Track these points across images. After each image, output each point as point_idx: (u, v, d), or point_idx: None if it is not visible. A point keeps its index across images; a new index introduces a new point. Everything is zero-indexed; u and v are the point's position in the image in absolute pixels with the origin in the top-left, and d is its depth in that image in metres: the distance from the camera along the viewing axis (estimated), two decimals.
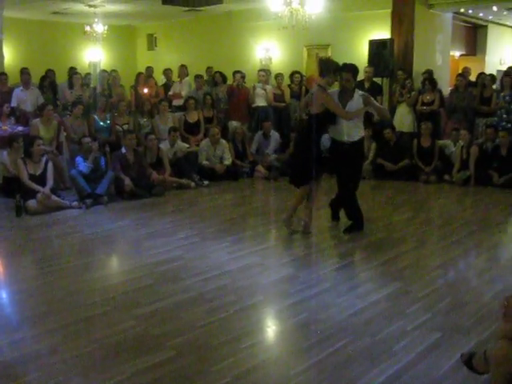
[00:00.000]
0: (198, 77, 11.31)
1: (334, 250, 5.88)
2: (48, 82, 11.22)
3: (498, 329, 3.04)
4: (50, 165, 7.61)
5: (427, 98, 10.01)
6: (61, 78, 11.85)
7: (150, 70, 12.81)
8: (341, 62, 6.30)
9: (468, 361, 3.08)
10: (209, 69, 12.26)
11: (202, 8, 12.33)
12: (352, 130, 6.12)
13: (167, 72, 12.37)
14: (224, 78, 11.14)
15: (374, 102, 6.37)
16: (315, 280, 4.88)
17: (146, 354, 3.52)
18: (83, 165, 7.89)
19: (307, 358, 3.50)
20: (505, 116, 9.61)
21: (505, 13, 13.17)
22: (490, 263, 5.53)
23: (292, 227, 6.33)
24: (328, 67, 6.17)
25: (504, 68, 12.83)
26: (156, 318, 4.07)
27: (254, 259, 5.42)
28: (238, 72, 11.00)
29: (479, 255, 5.78)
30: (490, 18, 13.98)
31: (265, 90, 10.77)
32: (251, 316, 4.17)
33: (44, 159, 7.60)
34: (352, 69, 6.14)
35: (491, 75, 10.58)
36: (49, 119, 8.76)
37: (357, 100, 6.07)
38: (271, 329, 4.11)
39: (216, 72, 11.31)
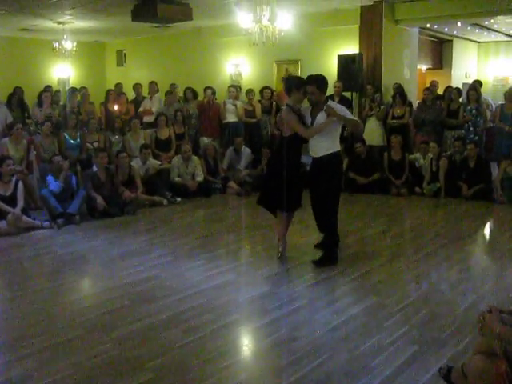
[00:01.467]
0: (168, 93, 11.30)
1: (308, 265, 5.86)
2: (16, 100, 11.09)
3: (475, 343, 3.09)
4: (21, 185, 7.48)
5: (397, 111, 10.17)
6: (29, 96, 11.72)
7: (119, 86, 12.78)
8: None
9: (446, 375, 3.12)
10: (172, 85, 12.14)
11: (171, 24, 12.34)
12: (316, 145, 5.77)
13: (137, 87, 12.34)
14: (195, 94, 11.15)
15: (342, 113, 5.71)
16: (291, 297, 4.89)
17: (125, 377, 3.48)
18: (54, 184, 7.78)
19: (286, 376, 3.50)
20: (471, 129, 9.82)
21: (468, 28, 13.49)
22: (463, 275, 5.61)
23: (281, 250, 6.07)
24: (290, 84, 5.90)
25: (469, 81, 13.13)
26: (133, 339, 4.02)
27: (230, 277, 5.41)
28: (208, 88, 11.02)
29: (452, 267, 5.85)
30: (455, 32, 14.29)
31: (235, 105, 10.81)
32: (228, 335, 4.15)
33: (14, 179, 7.47)
34: (315, 80, 5.74)
35: (457, 89, 10.80)
36: (18, 138, 8.65)
37: (323, 113, 5.69)
38: (249, 347, 4.10)
39: (187, 88, 11.31)
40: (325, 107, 5.63)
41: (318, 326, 4.23)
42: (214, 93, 11.06)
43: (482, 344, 2.74)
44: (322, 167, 5.81)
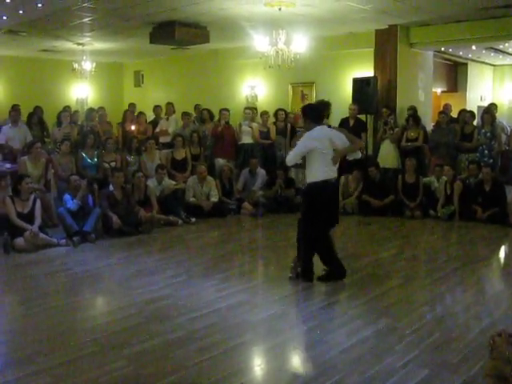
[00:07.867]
0: (185, 114, 11.44)
1: (321, 287, 5.89)
2: (36, 119, 11.30)
3: (485, 367, 3.09)
4: (38, 203, 7.60)
5: (411, 134, 10.18)
6: (48, 115, 11.93)
7: (133, 106, 13.03)
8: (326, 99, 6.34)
9: None
10: (197, 106, 12.39)
11: (188, 46, 12.54)
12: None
13: (157, 109, 12.51)
14: (211, 116, 11.27)
15: (342, 144, 5.88)
16: (303, 318, 4.92)
17: None
18: (71, 202, 7.89)
19: None
20: (486, 152, 9.82)
21: (483, 51, 13.54)
22: (476, 298, 5.58)
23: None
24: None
25: (485, 104, 13.15)
26: (146, 357, 4.06)
27: (243, 297, 5.44)
28: (224, 110, 11.15)
29: (465, 291, 5.84)
30: (470, 56, 14.33)
31: (251, 127, 10.91)
32: (241, 354, 4.18)
33: (32, 197, 7.60)
34: (302, 110, 6.15)
35: (471, 112, 10.83)
36: (37, 157, 8.78)
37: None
38: (261, 367, 4.10)
39: (204, 109, 11.44)
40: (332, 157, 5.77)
41: (329, 347, 4.24)
42: (226, 121, 11.10)
43: (492, 368, 2.74)
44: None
